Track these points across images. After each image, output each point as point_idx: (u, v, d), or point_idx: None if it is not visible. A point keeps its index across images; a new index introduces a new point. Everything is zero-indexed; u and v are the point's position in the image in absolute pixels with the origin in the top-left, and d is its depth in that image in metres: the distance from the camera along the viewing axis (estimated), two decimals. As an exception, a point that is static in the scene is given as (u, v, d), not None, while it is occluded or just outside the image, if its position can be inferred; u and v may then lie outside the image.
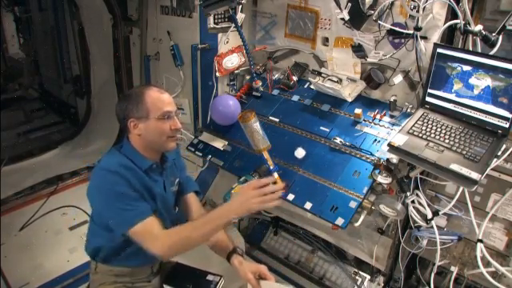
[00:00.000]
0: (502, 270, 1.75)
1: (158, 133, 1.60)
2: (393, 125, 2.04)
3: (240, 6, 2.23)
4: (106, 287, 1.72)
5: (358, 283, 2.52)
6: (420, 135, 1.75)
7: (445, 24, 1.79)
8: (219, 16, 2.34)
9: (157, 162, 1.70)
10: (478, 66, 1.65)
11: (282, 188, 1.50)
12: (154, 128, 1.59)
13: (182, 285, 1.86)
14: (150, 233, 1.50)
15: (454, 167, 1.58)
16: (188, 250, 1.55)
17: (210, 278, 1.89)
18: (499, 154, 1.65)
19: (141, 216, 1.51)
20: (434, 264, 2.01)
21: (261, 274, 1.61)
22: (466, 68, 1.68)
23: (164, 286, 1.87)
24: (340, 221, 1.81)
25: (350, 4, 1.93)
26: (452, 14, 1.77)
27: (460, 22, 1.70)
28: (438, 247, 1.91)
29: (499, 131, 1.65)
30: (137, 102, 1.59)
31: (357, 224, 1.90)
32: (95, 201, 1.62)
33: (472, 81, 1.68)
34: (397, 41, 2.00)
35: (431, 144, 1.70)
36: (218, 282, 1.86)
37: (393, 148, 1.74)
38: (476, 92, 1.68)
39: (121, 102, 1.65)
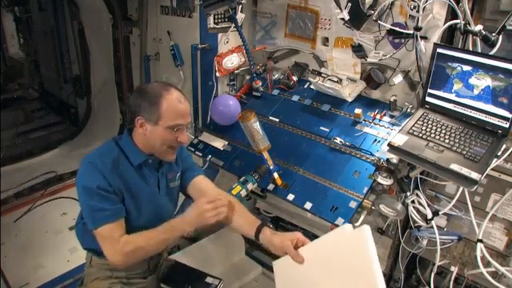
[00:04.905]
0: (502, 269, 1.75)
1: (161, 141, 1.57)
2: (393, 125, 2.04)
3: (240, 6, 2.23)
4: (101, 282, 1.67)
5: (358, 283, 2.51)
6: (420, 135, 1.75)
7: (445, 24, 1.79)
8: (219, 16, 2.33)
9: (154, 158, 1.65)
10: (477, 65, 1.65)
11: (226, 203, 1.58)
12: (159, 135, 1.55)
13: (180, 285, 1.81)
14: (110, 238, 1.50)
15: (454, 167, 1.58)
16: (140, 259, 1.60)
17: (209, 280, 1.84)
18: (499, 154, 1.65)
19: (105, 219, 1.50)
20: (433, 264, 2.01)
21: (298, 243, 1.43)
22: (466, 68, 1.68)
23: (161, 285, 1.83)
24: (340, 221, 1.81)
25: (349, 4, 1.93)
26: (452, 13, 1.77)
27: (460, 21, 1.70)
28: (438, 247, 1.91)
29: (499, 131, 1.65)
30: (151, 103, 1.51)
31: (357, 224, 1.90)
32: (77, 190, 1.58)
33: (472, 81, 1.68)
34: (397, 41, 2.00)
35: (431, 144, 1.70)
36: (217, 286, 1.82)
37: (393, 148, 1.74)
38: (476, 92, 1.68)
39: (136, 96, 1.59)
